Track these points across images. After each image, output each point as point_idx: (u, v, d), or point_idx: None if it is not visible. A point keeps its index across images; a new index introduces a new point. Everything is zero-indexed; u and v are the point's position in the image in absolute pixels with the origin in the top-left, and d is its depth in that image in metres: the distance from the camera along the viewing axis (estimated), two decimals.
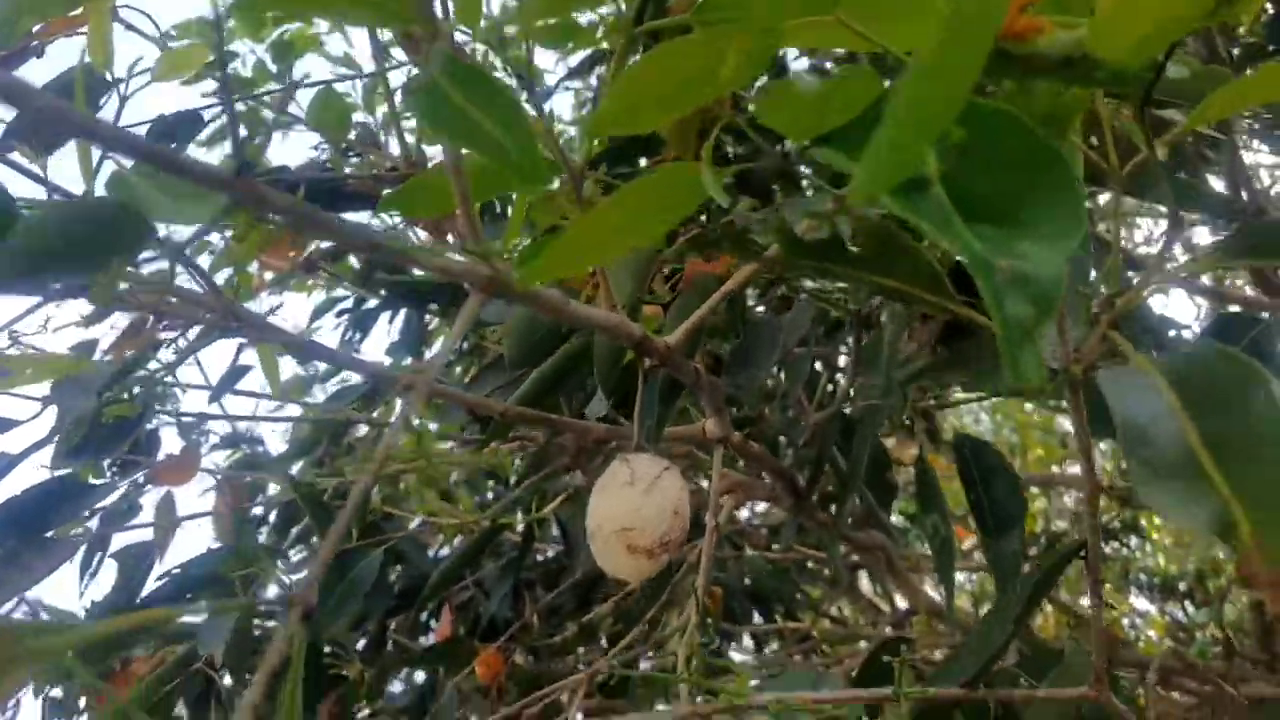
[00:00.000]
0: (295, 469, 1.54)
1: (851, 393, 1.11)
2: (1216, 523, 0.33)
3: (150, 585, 1.08)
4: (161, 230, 0.62)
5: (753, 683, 0.63)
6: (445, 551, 1.81)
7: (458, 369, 1.67)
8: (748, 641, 2.14)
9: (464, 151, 0.50)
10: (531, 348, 0.83)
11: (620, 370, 0.73)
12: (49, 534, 1.00)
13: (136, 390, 0.90)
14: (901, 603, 1.80)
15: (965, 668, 0.61)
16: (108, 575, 1.17)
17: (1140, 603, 3.26)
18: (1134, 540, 3.26)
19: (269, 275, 1.79)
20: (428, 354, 1.85)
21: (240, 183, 0.34)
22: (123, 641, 0.84)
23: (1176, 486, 0.34)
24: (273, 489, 1.56)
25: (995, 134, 0.33)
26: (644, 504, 0.56)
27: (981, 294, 0.29)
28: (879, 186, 0.26)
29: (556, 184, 0.87)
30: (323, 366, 1.91)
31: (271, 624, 1.38)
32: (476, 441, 1.07)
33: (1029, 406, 3.36)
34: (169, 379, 1.07)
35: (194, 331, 1.07)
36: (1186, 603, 3.25)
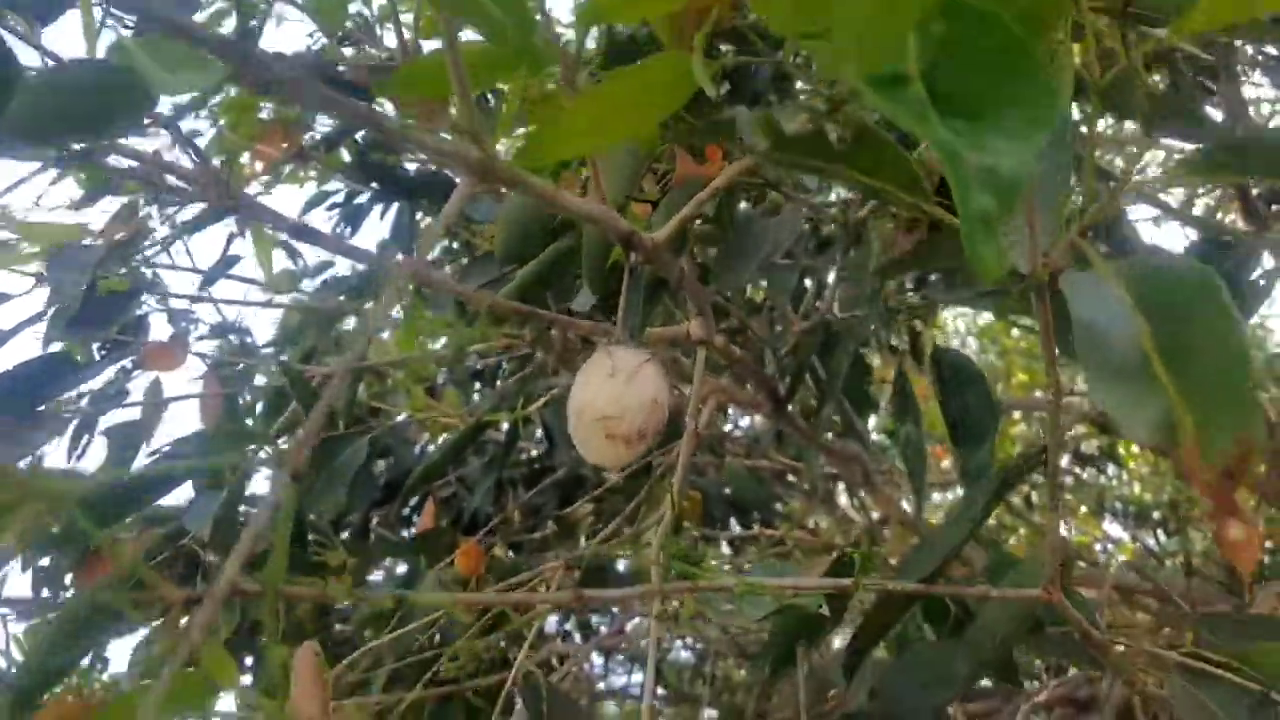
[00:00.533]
0: (282, 358, 1.56)
1: (836, 304, 1.12)
2: (1161, 422, 0.35)
3: (139, 465, 1.11)
4: (161, 108, 0.63)
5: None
6: (432, 449, 1.83)
7: (447, 268, 1.68)
8: (725, 550, 2.18)
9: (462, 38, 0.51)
10: (523, 242, 0.84)
11: (607, 266, 0.74)
12: (39, 409, 1.02)
13: (129, 269, 0.91)
14: (876, 514, 1.84)
15: (924, 565, 0.64)
16: (94, 455, 1.20)
17: (1114, 529, 3.32)
18: (1111, 468, 3.31)
19: (259, 166, 1.79)
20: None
21: (242, 48, 0.35)
22: (118, 505, 0.86)
23: (1127, 387, 0.35)
24: (260, 379, 1.57)
25: (975, 31, 0.33)
26: (624, 393, 0.58)
27: (950, 185, 0.30)
28: (850, 63, 0.27)
29: (552, 85, 0.87)
30: (311, 261, 1.91)
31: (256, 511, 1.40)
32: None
33: (1015, 332, 3.39)
34: (160, 261, 1.07)
35: (187, 214, 1.08)
36: (1159, 531, 3.30)
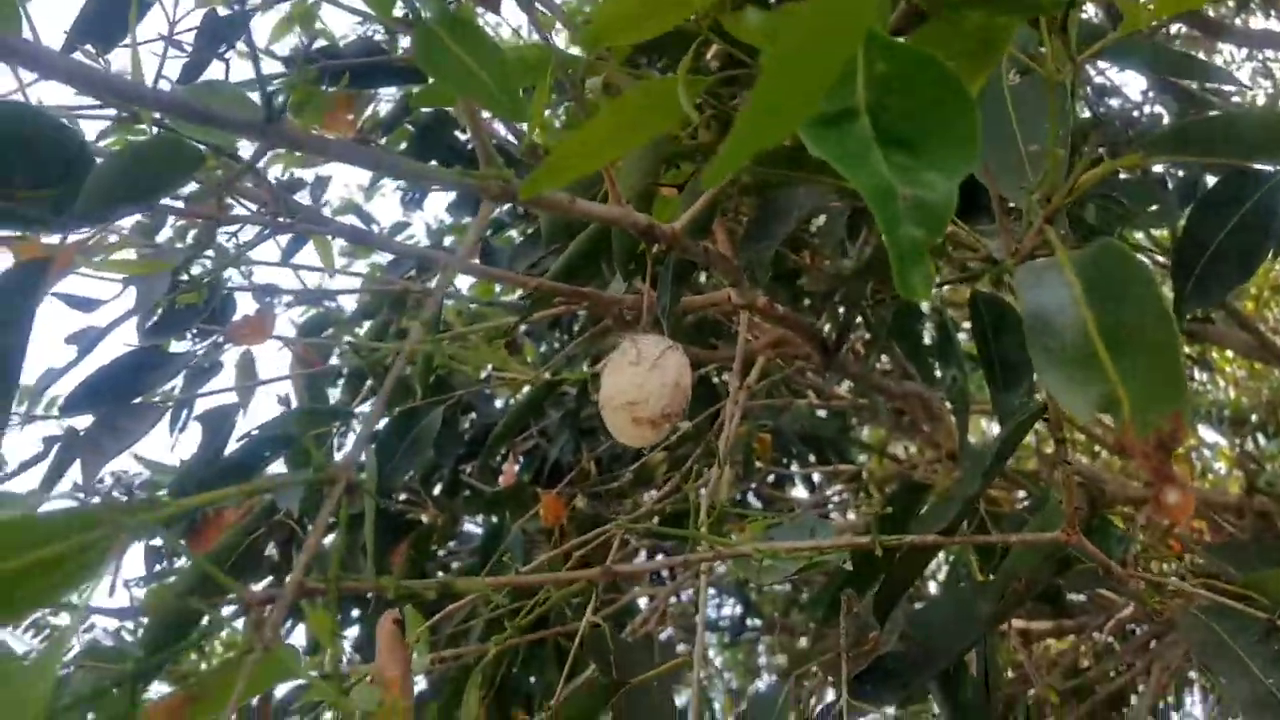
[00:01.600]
0: (362, 330, 1.64)
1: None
2: (1103, 401, 0.38)
3: (232, 445, 1.19)
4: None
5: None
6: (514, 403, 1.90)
7: (512, 232, 1.73)
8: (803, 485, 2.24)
9: None
10: (565, 225, 0.88)
11: (637, 252, 0.79)
12: (138, 400, 1.09)
13: (208, 269, 0.98)
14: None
15: (944, 515, 0.68)
16: (195, 429, 1.28)
17: (1210, 435, 3.28)
18: (1204, 375, 3.26)
19: (330, 138, 1.85)
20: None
21: (270, 129, 0.40)
22: (213, 486, 0.94)
23: (1072, 370, 0.39)
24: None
25: (913, 70, 0.37)
26: (647, 380, 0.63)
27: (878, 221, 0.34)
28: (737, 160, 0.31)
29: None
30: (389, 224, 1.99)
31: None
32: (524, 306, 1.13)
33: None
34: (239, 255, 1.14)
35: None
36: (1258, 435, 3.26)
